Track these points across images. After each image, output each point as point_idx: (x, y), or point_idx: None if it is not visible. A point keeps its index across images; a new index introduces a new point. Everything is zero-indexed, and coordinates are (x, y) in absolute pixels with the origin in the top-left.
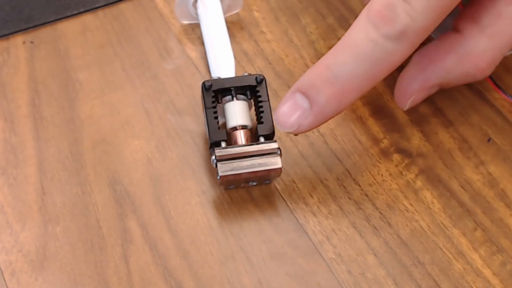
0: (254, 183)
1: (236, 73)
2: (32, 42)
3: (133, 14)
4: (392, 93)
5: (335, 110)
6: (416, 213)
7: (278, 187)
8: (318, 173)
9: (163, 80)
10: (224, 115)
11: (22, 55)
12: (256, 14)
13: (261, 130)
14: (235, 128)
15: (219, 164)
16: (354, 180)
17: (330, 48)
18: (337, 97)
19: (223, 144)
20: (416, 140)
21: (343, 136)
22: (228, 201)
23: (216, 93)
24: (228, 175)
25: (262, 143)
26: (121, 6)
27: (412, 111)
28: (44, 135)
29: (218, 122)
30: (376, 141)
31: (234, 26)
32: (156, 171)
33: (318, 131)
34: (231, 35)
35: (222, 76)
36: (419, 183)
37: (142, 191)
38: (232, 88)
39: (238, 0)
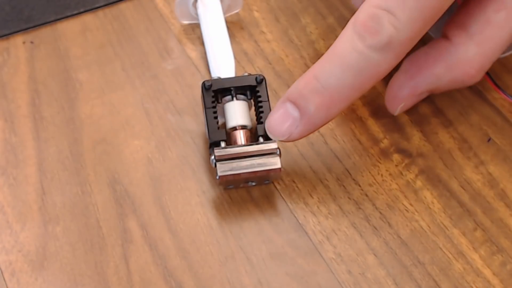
0: (254, 183)
1: (236, 73)
2: (32, 42)
3: (133, 14)
4: None
5: (324, 119)
6: (416, 213)
7: (278, 187)
8: (318, 173)
9: (163, 80)
10: (224, 115)
11: (22, 55)
12: (256, 14)
13: (260, 130)
14: (234, 128)
15: (218, 164)
16: (354, 180)
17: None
18: (325, 106)
19: (223, 144)
20: (416, 140)
21: (343, 136)
22: (228, 201)
23: (216, 93)
24: (227, 175)
25: (261, 143)
26: (121, 6)
27: (412, 111)
28: (44, 135)
29: (217, 122)
30: (376, 141)
31: (234, 26)
32: (156, 171)
33: (318, 131)
34: (231, 35)
35: (222, 76)
36: (419, 183)
37: (142, 191)
38: (232, 88)
39: (238, 0)
